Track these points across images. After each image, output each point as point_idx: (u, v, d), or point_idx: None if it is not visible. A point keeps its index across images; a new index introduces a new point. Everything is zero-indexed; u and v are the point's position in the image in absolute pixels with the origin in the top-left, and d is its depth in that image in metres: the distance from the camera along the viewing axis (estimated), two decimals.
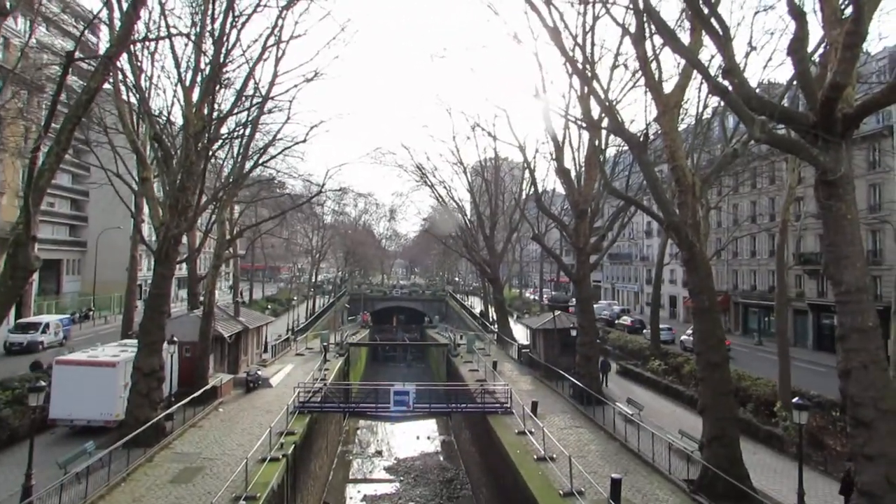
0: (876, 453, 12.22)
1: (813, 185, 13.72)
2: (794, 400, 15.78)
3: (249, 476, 18.66)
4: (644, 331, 51.98)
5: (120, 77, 25.78)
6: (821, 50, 15.79)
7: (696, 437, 20.06)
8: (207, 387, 28.49)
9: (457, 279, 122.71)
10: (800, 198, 42.81)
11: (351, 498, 31.92)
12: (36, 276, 44.17)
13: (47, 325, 40.97)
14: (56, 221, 64.65)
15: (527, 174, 46.62)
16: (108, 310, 59.44)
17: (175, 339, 27.01)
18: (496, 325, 56.82)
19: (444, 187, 59.88)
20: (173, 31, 23.82)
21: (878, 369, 12.56)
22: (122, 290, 46.98)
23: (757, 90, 28.44)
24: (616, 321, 61.30)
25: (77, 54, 14.71)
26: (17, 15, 36.10)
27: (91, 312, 56.17)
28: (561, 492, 18.52)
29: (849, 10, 13.10)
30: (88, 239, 66.41)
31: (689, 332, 52.00)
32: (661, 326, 43.54)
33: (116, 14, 21.68)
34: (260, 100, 29.28)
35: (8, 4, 18.00)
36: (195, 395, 26.50)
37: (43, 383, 16.82)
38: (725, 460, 17.61)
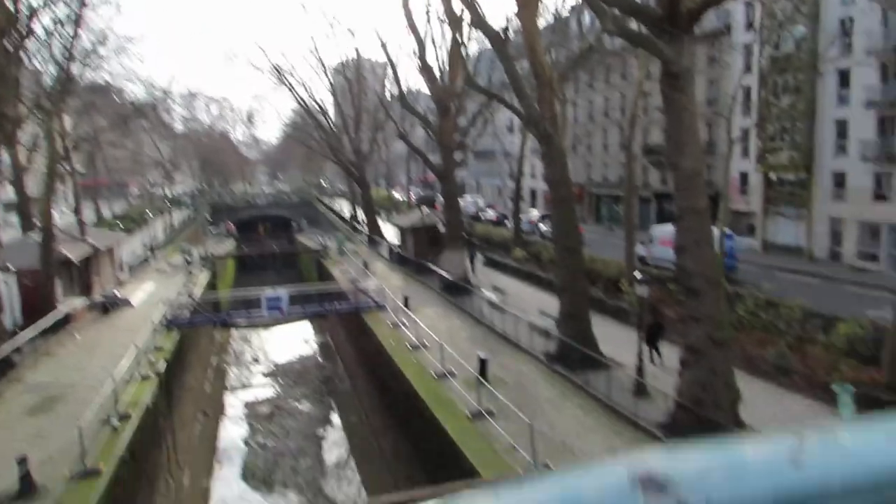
0: (702, 315, 14.08)
1: (659, 78, 14.64)
2: (636, 275, 17.63)
3: (120, 396, 18.01)
4: (507, 223, 54.42)
5: None
6: None
7: (553, 315, 21.87)
8: (57, 314, 26.37)
9: (323, 183, 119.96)
10: (647, 93, 45.46)
11: (231, 406, 31.89)
12: None
13: None
14: None
15: (390, 72, 45.51)
16: None
17: (11, 267, 24.41)
18: (366, 227, 56.93)
19: (304, 88, 57.09)
20: None
21: (707, 246, 14.29)
22: None
23: None
24: (481, 215, 63.51)
25: None
26: None
27: None
28: (435, 374, 19.75)
29: None
30: None
31: (536, 216, 55.39)
32: (521, 218, 45.73)
33: None
34: None
35: None
36: (43, 324, 24.48)
37: None
38: (579, 333, 19.53)
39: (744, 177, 44.27)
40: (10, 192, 40.25)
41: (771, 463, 0.70)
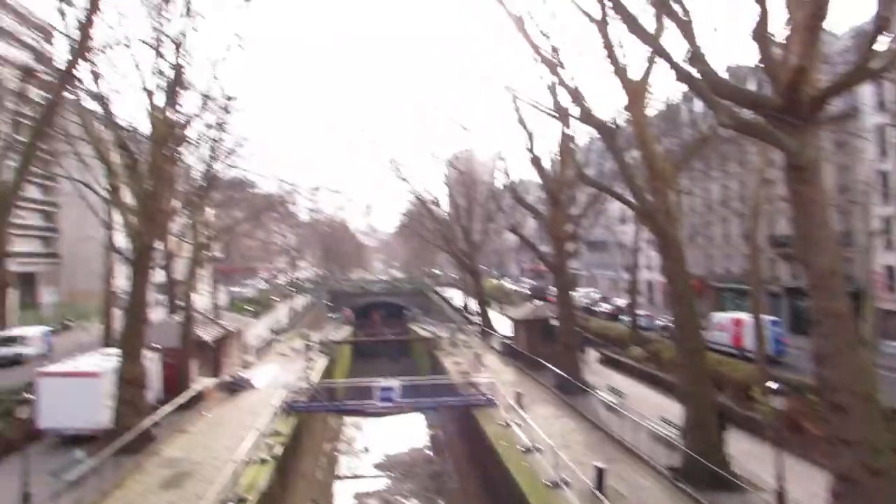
0: (853, 438, 12.33)
1: (783, 168, 13.86)
2: (771, 385, 16.04)
3: (238, 478, 18.86)
4: (623, 317, 52.55)
5: (81, 85, 25.17)
6: (786, 32, 15.97)
7: (677, 424, 20.34)
8: (192, 392, 28.29)
9: (436, 271, 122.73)
10: (770, 181, 43.36)
11: (340, 495, 31.95)
12: (13, 288, 43.23)
13: (29, 338, 40.42)
14: (29, 234, 63.36)
15: (500, 164, 46.94)
16: (86, 319, 58.41)
17: (156, 345, 26.72)
18: (477, 317, 57.05)
19: (419, 179, 59.96)
20: (131, 37, 23.40)
21: (851, 353, 12.65)
22: (99, 300, 46.22)
23: (725, 72, 28.68)
24: (595, 308, 61.82)
25: (36, 66, 14.43)
26: None
27: (70, 323, 55.24)
28: (547, 482, 18.76)
29: None
30: (62, 250, 65.19)
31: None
32: (639, 313, 44.02)
33: (72, 22, 21.16)
34: (226, 101, 28.91)
35: None
36: (180, 400, 26.35)
37: (29, 396, 16.85)
38: (706, 446, 17.89)
39: (891, 271, 40.29)
40: (161, 276, 44.78)
41: None
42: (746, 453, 20.36)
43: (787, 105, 13.06)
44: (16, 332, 41.97)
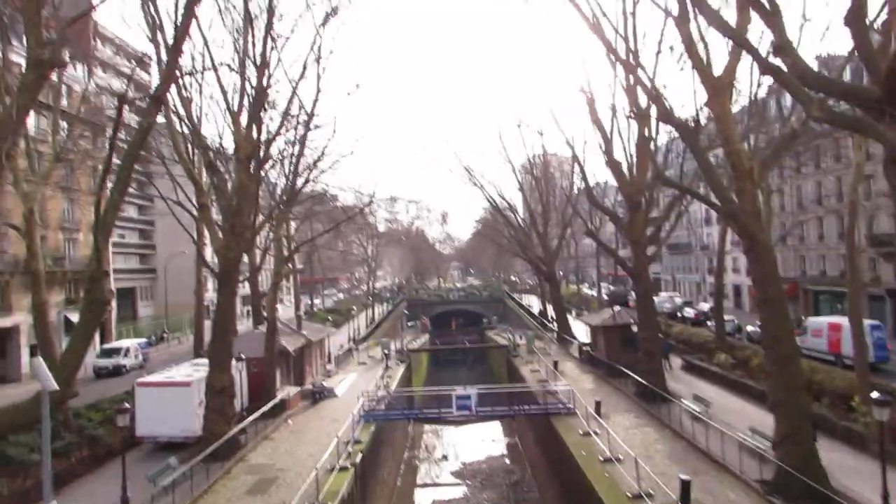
0: None
1: (883, 163, 12.89)
2: (874, 394, 14.90)
3: (320, 485, 19.40)
4: (708, 323, 50.38)
5: (172, 109, 26.75)
6: (883, 16, 14.87)
7: (768, 435, 19.27)
8: (276, 400, 29.30)
9: (513, 278, 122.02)
10: (869, 176, 40.52)
11: (420, 503, 32.18)
12: (114, 303, 46.39)
13: (128, 350, 43.23)
14: (127, 252, 67.89)
15: (576, 168, 46.15)
16: (180, 331, 61.82)
17: (243, 356, 27.90)
18: (555, 324, 56.23)
19: (494, 187, 59.83)
20: (216, 61, 24.68)
21: None
22: (191, 312, 48.78)
23: (815, 63, 27.04)
24: (678, 313, 59.60)
25: (130, 93, 15.46)
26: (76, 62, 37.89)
27: (165, 335, 58.62)
28: (629, 494, 18.20)
29: None
30: (157, 266, 69.43)
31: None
32: (725, 318, 42.11)
33: (163, 51, 22.51)
34: (305, 118, 29.97)
35: (66, 56, 19.03)
36: (265, 408, 27.36)
37: (128, 405, 18.20)
38: (801, 459, 16.81)
39: None
40: (246, 289, 46.85)
41: None
42: (846, 467, 19.03)
43: (887, 95, 12.12)
44: (116, 344, 45.11)
